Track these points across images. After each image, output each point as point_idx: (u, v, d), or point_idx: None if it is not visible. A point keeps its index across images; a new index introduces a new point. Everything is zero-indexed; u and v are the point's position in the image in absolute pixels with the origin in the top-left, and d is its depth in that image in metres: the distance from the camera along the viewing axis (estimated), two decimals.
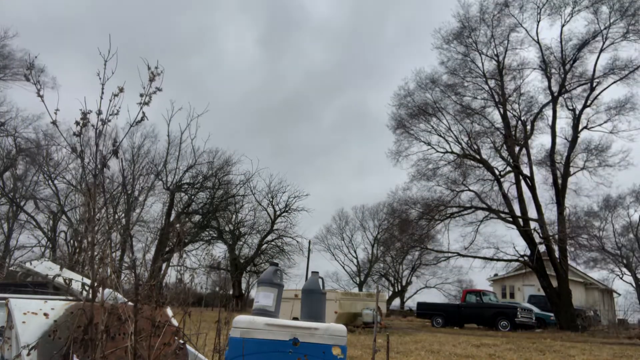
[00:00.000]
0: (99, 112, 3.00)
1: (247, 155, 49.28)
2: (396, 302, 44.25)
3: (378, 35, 71.71)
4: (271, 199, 32.92)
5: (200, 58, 68.59)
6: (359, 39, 75.15)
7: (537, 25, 21.41)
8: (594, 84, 20.89)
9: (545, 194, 22.24)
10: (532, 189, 20.96)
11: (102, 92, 2.99)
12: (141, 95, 3.09)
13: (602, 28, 20.24)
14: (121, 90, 3.01)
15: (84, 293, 2.88)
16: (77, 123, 2.96)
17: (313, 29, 75.47)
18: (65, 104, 3.04)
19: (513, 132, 21.89)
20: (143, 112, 3.09)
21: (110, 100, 2.99)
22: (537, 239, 20.00)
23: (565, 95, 21.62)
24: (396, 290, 43.95)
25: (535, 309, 20.83)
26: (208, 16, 70.04)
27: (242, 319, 2.61)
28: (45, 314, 2.91)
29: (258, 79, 72.06)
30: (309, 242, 31.18)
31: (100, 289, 2.84)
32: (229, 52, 73.13)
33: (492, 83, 22.38)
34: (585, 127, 21.28)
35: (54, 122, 2.98)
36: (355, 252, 45.91)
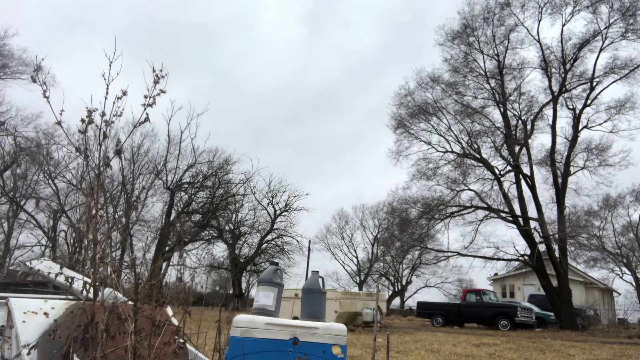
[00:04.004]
0: (103, 114, 3.00)
1: (256, 151, 48.57)
2: (396, 301, 44.32)
3: (424, 20, 68.06)
4: (271, 198, 32.96)
5: (236, 43, 66.71)
6: (405, 22, 72.08)
7: (538, 24, 21.43)
8: (594, 83, 20.90)
9: (546, 193, 22.26)
10: (532, 188, 20.96)
11: (107, 93, 2.99)
12: (145, 97, 3.09)
13: (602, 28, 20.27)
14: (124, 93, 3.02)
15: (84, 292, 2.88)
16: (83, 121, 2.96)
17: (358, 6, 72.90)
18: (70, 101, 3.04)
19: (513, 132, 21.89)
20: (147, 114, 3.10)
21: (114, 103, 2.99)
22: (537, 239, 20.00)
23: (566, 95, 21.62)
24: (396, 289, 43.97)
25: (536, 309, 20.84)
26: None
27: (242, 318, 2.61)
28: (46, 313, 2.91)
29: (293, 67, 70.04)
30: (309, 242, 31.24)
31: (101, 288, 2.84)
32: (268, 34, 70.95)
33: (492, 82, 22.39)
34: (586, 127, 21.30)
35: (58, 123, 2.97)
36: (355, 251, 46.00)
